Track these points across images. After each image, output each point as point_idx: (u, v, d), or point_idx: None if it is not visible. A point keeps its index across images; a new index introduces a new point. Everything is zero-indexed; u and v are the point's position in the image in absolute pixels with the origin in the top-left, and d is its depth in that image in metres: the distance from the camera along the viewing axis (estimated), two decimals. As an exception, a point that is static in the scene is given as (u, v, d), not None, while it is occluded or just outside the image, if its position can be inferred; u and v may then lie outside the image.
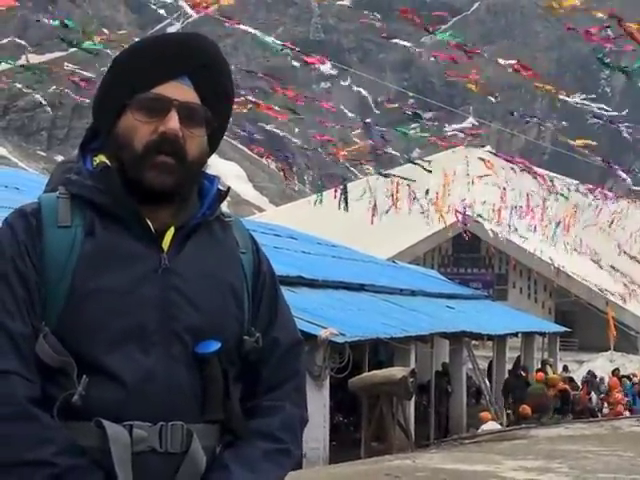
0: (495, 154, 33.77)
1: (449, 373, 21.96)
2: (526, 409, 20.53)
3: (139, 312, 1.97)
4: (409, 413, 17.34)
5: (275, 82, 25.47)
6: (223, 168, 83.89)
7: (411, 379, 15.75)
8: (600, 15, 18.01)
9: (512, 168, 33.47)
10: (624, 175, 28.59)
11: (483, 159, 35.49)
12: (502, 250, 46.24)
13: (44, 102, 77.91)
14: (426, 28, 19.18)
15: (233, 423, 2.04)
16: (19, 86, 67.79)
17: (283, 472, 2.07)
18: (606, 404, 26.02)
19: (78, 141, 2.19)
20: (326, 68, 21.94)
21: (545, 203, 40.71)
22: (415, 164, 29.03)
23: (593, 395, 26.39)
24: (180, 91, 2.03)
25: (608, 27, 17.00)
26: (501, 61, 19.96)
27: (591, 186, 37.47)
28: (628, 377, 28.60)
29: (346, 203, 29.09)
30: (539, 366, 27.67)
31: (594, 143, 26.66)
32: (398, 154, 31.20)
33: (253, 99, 23.02)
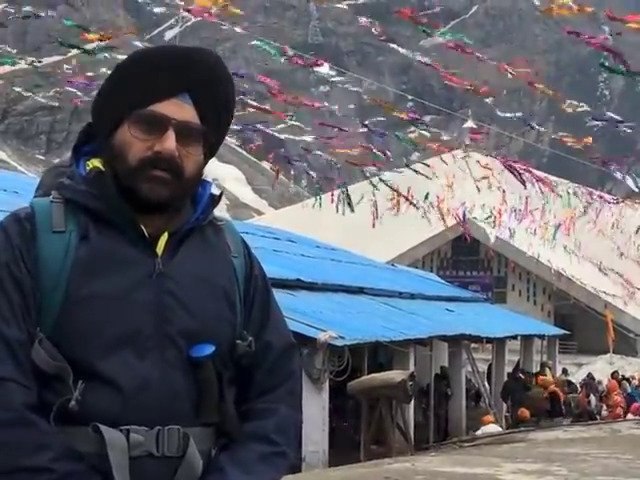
0: (494, 157, 33.77)
1: (448, 376, 21.96)
2: (524, 412, 20.54)
3: (134, 317, 1.98)
4: (408, 416, 17.33)
5: (273, 86, 25.49)
6: (222, 171, 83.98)
7: (410, 382, 15.74)
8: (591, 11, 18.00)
9: (512, 172, 33.48)
10: (622, 177, 28.60)
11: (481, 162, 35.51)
12: (501, 253, 46.26)
13: (43, 102, 77.91)
14: (425, 30, 19.20)
15: (228, 426, 2.05)
16: (18, 90, 67.75)
17: (279, 474, 2.08)
18: (605, 406, 26.03)
19: (77, 145, 2.17)
20: (325, 71, 21.96)
21: (544, 206, 40.70)
22: (412, 169, 29.04)
23: (592, 398, 26.38)
24: (179, 109, 2.01)
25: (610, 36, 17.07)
26: (494, 63, 19.96)
27: (590, 189, 37.51)
28: (628, 379, 28.62)
29: (350, 205, 29.08)
30: (538, 369, 27.68)
31: (590, 140, 26.66)
32: (394, 157, 31.23)
33: (253, 102, 23.05)
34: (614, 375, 28.74)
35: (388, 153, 30.47)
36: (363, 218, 36.30)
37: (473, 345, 25.04)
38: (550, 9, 17.60)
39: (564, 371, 30.96)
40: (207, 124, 2.05)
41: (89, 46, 21.06)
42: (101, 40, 21.80)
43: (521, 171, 29.85)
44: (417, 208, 36.23)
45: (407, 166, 31.29)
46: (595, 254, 47.77)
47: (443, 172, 34.57)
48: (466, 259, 48.42)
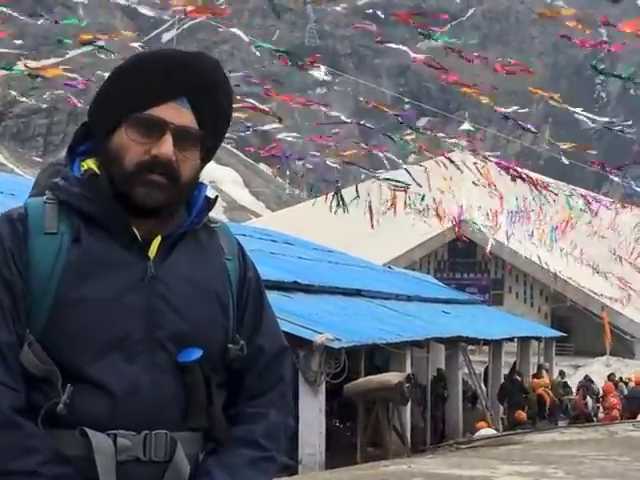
0: (489, 159, 33.74)
1: (445, 378, 21.97)
2: (521, 414, 20.55)
3: (124, 321, 1.96)
4: (405, 418, 17.34)
5: (270, 87, 25.49)
6: (219, 173, 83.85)
7: (407, 384, 15.75)
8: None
9: (509, 174, 33.48)
10: (619, 179, 28.63)
11: (478, 164, 35.50)
12: (498, 255, 46.26)
13: (40, 104, 77.93)
14: (421, 33, 19.21)
15: (216, 430, 2.03)
16: (14, 94, 67.66)
17: (267, 479, 2.07)
18: (601, 409, 26.06)
19: (74, 147, 2.16)
20: (321, 74, 21.94)
21: (541, 208, 40.72)
22: (408, 172, 29.04)
23: (589, 400, 26.39)
24: (177, 113, 2.00)
25: (605, 42, 17.07)
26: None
27: (586, 191, 37.54)
28: (624, 382, 28.61)
29: (344, 205, 29.03)
30: (535, 371, 27.70)
31: (589, 147, 26.70)
32: (389, 159, 31.25)
33: (252, 102, 23.03)
34: (610, 377, 28.74)
35: (384, 154, 30.50)
36: (360, 220, 36.28)
37: (470, 347, 25.06)
38: (545, 13, 17.62)
39: (561, 373, 30.96)
40: (204, 129, 2.03)
41: (86, 48, 21.04)
42: (97, 42, 21.79)
43: (515, 174, 29.87)
44: (419, 211, 36.26)
45: (405, 169, 31.26)
46: (592, 256, 47.79)
47: (440, 174, 34.54)
48: (463, 261, 48.40)
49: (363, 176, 33.29)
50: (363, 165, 31.70)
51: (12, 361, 1.92)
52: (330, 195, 30.78)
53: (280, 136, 31.28)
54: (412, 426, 18.17)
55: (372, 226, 35.45)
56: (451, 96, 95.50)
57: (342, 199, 29.15)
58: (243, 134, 29.08)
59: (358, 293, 21.15)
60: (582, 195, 37.51)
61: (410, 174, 28.69)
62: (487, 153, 34.48)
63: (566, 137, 35.18)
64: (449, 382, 21.97)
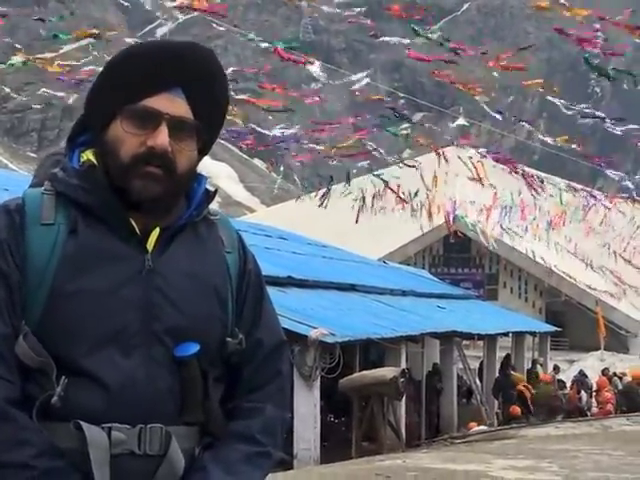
0: (484, 155, 33.78)
1: (441, 372, 21.96)
2: (515, 409, 20.56)
3: (121, 314, 1.95)
4: (400, 413, 17.34)
5: (266, 81, 25.47)
6: (214, 169, 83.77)
7: (402, 379, 15.75)
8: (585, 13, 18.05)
9: (503, 168, 33.55)
10: (613, 174, 28.68)
11: (472, 158, 35.52)
12: (492, 250, 46.29)
13: (34, 99, 77.74)
14: (414, 29, 19.20)
15: (212, 425, 2.02)
16: (7, 90, 67.50)
17: (262, 474, 2.06)
18: (595, 403, 26.09)
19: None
20: (315, 69, 21.92)
21: (536, 203, 40.74)
22: (405, 164, 29.06)
23: (583, 394, 26.42)
24: (172, 104, 1.98)
25: (597, 32, 17.07)
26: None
27: (581, 186, 37.58)
28: (619, 376, 28.62)
29: (326, 200, 29.04)
30: (530, 366, 27.72)
31: (581, 143, 26.72)
32: (385, 154, 31.25)
33: (247, 97, 23.03)
34: (605, 372, 28.77)
35: (379, 149, 30.50)
36: (354, 215, 36.30)
37: (464, 342, 25.06)
38: (539, 6, 17.62)
39: (556, 368, 30.98)
40: (200, 119, 2.02)
41: (80, 42, 21.02)
42: (92, 36, 21.77)
43: (509, 168, 29.92)
44: (412, 207, 36.24)
45: (401, 163, 31.29)
46: (586, 251, 47.85)
47: (434, 169, 34.56)
48: (457, 256, 48.43)
49: (355, 170, 33.28)
50: (358, 160, 31.71)
51: (7, 353, 1.91)
52: (317, 190, 30.80)
53: (275, 132, 31.26)
54: (407, 421, 18.18)
55: (356, 221, 35.49)
56: (446, 91, 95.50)
57: (327, 193, 29.16)
58: (238, 131, 29.08)
59: (353, 288, 21.13)
60: (574, 189, 37.53)
61: (408, 165, 28.67)
62: (482, 150, 34.49)
63: (561, 132, 35.22)
64: (444, 377, 21.97)
